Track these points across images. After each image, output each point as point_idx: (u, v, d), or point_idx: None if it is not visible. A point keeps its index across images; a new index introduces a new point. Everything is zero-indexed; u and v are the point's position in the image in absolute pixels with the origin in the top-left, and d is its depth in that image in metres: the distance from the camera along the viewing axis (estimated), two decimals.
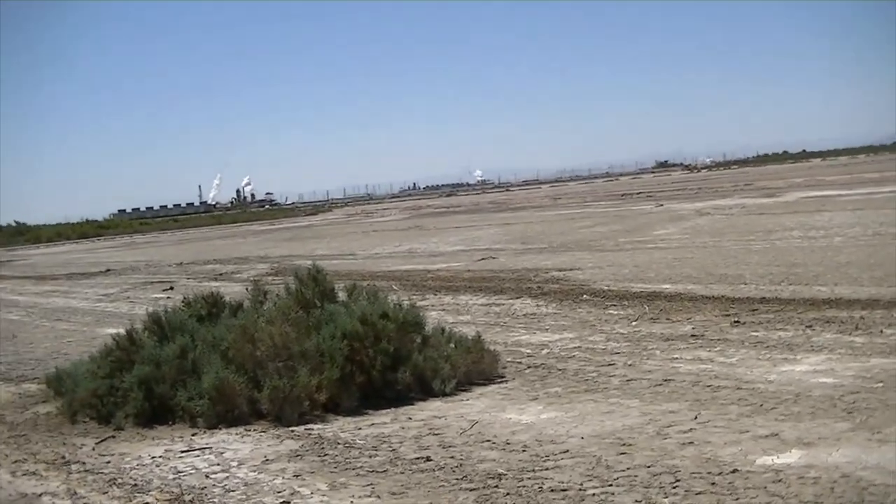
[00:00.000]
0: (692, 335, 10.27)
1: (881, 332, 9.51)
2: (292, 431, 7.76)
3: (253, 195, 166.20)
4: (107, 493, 6.55)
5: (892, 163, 73.64)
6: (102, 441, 8.05)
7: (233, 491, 6.30)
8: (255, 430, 7.95)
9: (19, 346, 14.39)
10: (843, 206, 28.82)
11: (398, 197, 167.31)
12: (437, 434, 7.27)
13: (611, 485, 5.69)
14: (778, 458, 5.89)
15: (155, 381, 8.54)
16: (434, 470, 6.35)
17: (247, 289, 11.03)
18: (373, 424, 7.79)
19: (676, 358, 9.23)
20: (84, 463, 7.38)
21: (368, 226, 52.71)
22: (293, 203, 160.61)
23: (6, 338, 15.56)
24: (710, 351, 9.40)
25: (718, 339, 9.90)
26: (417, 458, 6.64)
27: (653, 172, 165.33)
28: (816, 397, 7.24)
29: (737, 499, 5.26)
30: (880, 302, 11.08)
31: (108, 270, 31.08)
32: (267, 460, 6.97)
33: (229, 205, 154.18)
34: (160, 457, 7.35)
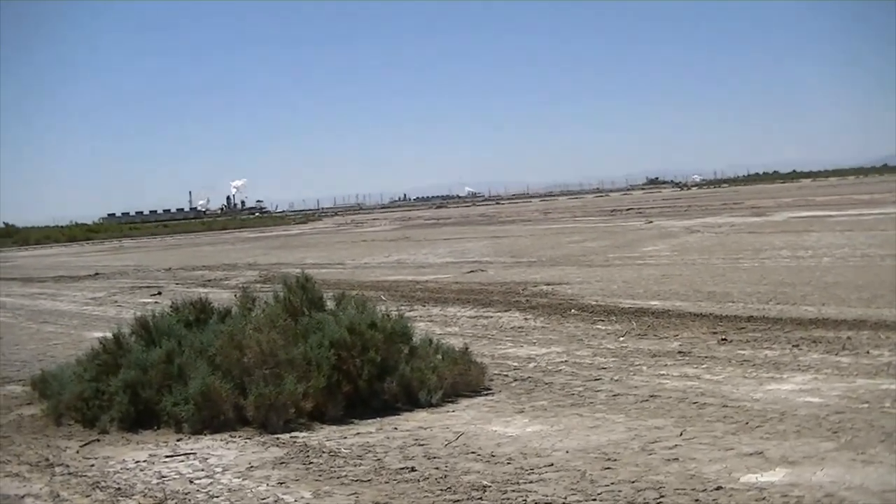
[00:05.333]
0: (679, 352, 10.29)
1: (867, 352, 9.55)
2: (277, 439, 7.75)
3: (243, 202, 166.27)
4: (90, 496, 6.52)
5: (881, 185, 74.10)
6: (87, 444, 8.02)
7: (216, 497, 6.28)
8: (240, 436, 7.93)
9: (5, 348, 14.31)
10: (831, 227, 28.93)
11: (388, 207, 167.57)
12: (422, 445, 7.26)
13: (594, 499, 5.69)
14: (762, 476, 5.90)
15: (141, 385, 8.53)
16: (418, 480, 6.35)
17: (235, 295, 11.01)
18: (358, 434, 7.77)
19: (663, 374, 9.24)
20: (68, 466, 7.35)
21: (358, 235, 52.69)
22: (283, 211, 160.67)
23: None
24: (696, 368, 9.41)
25: (705, 357, 9.92)
26: (402, 469, 6.64)
27: (643, 189, 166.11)
28: (802, 416, 7.26)
29: None
30: (867, 323, 11.12)
31: (97, 274, 31.00)
32: (251, 467, 6.96)
33: (219, 211, 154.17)
34: (144, 461, 7.33)
